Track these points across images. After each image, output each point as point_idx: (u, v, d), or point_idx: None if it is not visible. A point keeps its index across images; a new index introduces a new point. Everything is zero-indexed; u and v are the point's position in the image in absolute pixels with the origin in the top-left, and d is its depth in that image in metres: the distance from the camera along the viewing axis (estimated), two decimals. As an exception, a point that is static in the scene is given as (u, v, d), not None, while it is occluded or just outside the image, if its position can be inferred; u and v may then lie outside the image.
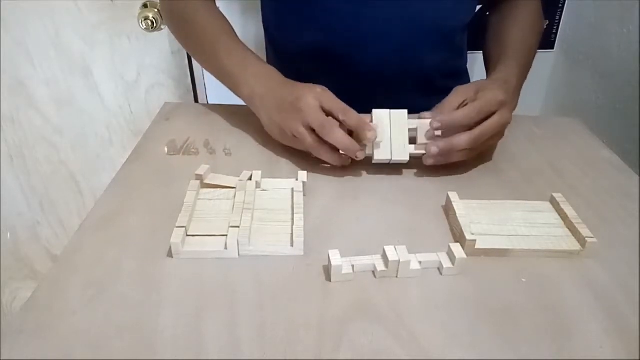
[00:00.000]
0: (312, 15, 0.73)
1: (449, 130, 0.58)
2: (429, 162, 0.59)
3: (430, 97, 0.80)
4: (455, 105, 0.59)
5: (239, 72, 0.65)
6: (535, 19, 0.80)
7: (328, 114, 0.57)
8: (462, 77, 0.88)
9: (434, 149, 0.58)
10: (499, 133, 0.60)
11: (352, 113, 0.57)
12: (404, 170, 0.62)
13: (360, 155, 0.57)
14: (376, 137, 0.57)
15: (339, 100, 0.58)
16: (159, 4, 1.07)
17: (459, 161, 0.60)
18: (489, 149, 0.63)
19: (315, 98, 0.57)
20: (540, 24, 0.83)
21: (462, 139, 0.58)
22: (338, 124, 0.57)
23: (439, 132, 0.58)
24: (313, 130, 0.58)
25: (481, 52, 0.82)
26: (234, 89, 0.67)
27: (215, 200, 0.54)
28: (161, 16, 1.07)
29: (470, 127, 0.58)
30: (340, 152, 0.58)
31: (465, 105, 0.59)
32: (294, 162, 0.62)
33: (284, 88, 0.61)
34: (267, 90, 0.63)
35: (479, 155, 0.62)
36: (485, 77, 0.76)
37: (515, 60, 0.70)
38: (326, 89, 0.59)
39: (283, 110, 0.60)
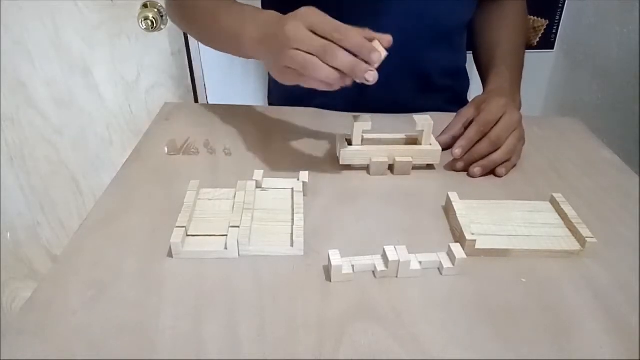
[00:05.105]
0: None
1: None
2: (458, 169, 0.62)
3: (429, 95, 0.80)
4: (460, 126, 0.63)
5: (239, 25, 0.59)
6: (520, 17, 0.82)
7: (321, 37, 0.50)
8: (461, 75, 0.88)
9: (460, 164, 0.61)
10: (516, 131, 0.62)
11: (351, 31, 0.50)
12: (404, 170, 0.62)
13: (370, 77, 0.49)
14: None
15: (329, 18, 0.51)
16: (159, 4, 1.07)
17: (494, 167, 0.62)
18: (516, 153, 0.63)
19: (301, 21, 0.50)
20: (525, 22, 0.85)
21: (482, 146, 0.61)
22: (337, 46, 0.49)
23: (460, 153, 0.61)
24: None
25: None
26: (238, 46, 0.60)
27: (215, 200, 0.54)
28: (161, 16, 1.07)
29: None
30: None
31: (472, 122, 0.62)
32: (294, 162, 0.62)
33: (275, 23, 0.54)
34: (262, 32, 0.56)
35: (510, 161, 0.62)
36: (479, 78, 0.79)
37: (504, 65, 0.73)
38: (313, 7, 0.52)
39: (272, 45, 0.53)
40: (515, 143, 0.62)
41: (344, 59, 0.49)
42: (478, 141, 0.61)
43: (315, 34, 0.50)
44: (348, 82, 0.51)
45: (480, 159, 0.61)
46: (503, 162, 0.61)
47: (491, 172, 0.62)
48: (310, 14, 0.51)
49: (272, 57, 0.53)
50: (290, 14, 0.52)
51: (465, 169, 0.62)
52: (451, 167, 0.62)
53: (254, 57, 0.60)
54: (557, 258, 0.48)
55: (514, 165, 0.63)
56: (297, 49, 0.50)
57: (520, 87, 0.73)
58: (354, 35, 0.49)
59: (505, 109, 0.62)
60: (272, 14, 0.57)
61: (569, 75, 1.26)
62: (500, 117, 0.61)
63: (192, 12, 0.70)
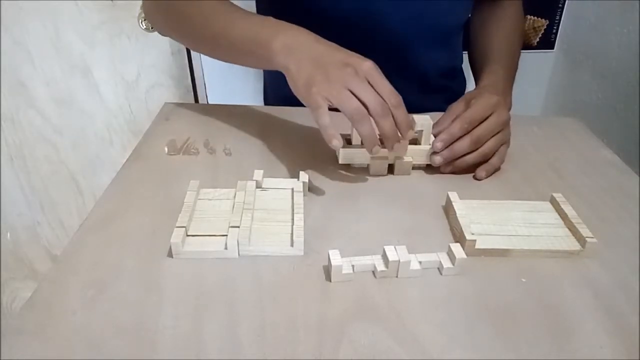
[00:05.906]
0: (309, 13, 0.73)
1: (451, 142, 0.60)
2: (436, 164, 0.60)
3: (426, 95, 0.80)
4: (448, 122, 0.60)
5: (263, 32, 0.58)
6: (516, 19, 0.82)
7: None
8: (458, 76, 0.88)
9: (437, 159, 0.59)
10: (500, 134, 0.60)
11: (404, 109, 0.55)
12: (404, 170, 0.62)
13: (375, 153, 0.55)
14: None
15: (389, 83, 0.55)
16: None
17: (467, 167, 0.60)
18: (496, 154, 0.61)
19: (370, 68, 0.54)
20: (521, 23, 0.85)
21: (462, 144, 0.59)
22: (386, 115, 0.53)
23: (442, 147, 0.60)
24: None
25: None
26: (257, 53, 0.58)
27: (215, 200, 0.54)
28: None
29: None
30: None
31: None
32: (294, 162, 0.62)
33: (327, 44, 0.56)
34: (300, 40, 0.56)
35: (488, 162, 0.61)
36: (474, 80, 0.78)
37: (499, 64, 0.72)
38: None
39: (326, 66, 0.53)
40: (496, 146, 0.60)
41: (391, 123, 0.54)
42: (461, 137, 0.59)
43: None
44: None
45: (460, 157, 0.59)
46: (480, 163, 0.60)
47: (468, 172, 0.61)
48: (377, 71, 0.55)
49: (318, 72, 0.53)
50: (355, 54, 0.55)
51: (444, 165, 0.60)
52: (431, 161, 0.60)
53: (278, 65, 0.57)
54: (557, 258, 0.48)
55: (497, 169, 0.61)
56: (349, 87, 0.52)
57: (512, 88, 0.72)
58: (407, 117, 0.55)
59: (494, 108, 0.60)
60: (304, 29, 0.58)
61: (569, 75, 1.26)
62: (488, 117, 0.59)
63: (187, 15, 0.66)
